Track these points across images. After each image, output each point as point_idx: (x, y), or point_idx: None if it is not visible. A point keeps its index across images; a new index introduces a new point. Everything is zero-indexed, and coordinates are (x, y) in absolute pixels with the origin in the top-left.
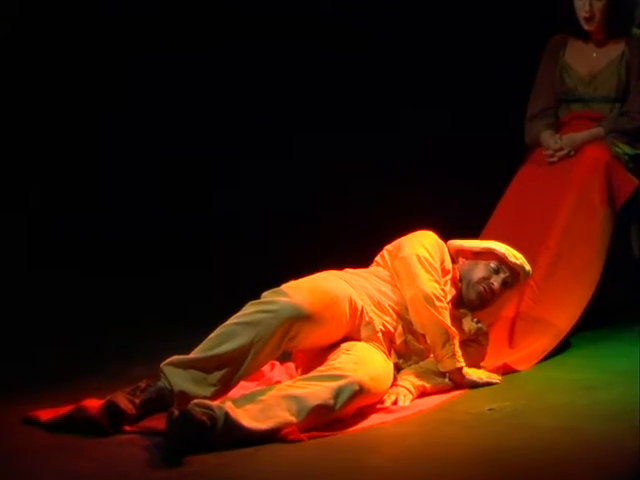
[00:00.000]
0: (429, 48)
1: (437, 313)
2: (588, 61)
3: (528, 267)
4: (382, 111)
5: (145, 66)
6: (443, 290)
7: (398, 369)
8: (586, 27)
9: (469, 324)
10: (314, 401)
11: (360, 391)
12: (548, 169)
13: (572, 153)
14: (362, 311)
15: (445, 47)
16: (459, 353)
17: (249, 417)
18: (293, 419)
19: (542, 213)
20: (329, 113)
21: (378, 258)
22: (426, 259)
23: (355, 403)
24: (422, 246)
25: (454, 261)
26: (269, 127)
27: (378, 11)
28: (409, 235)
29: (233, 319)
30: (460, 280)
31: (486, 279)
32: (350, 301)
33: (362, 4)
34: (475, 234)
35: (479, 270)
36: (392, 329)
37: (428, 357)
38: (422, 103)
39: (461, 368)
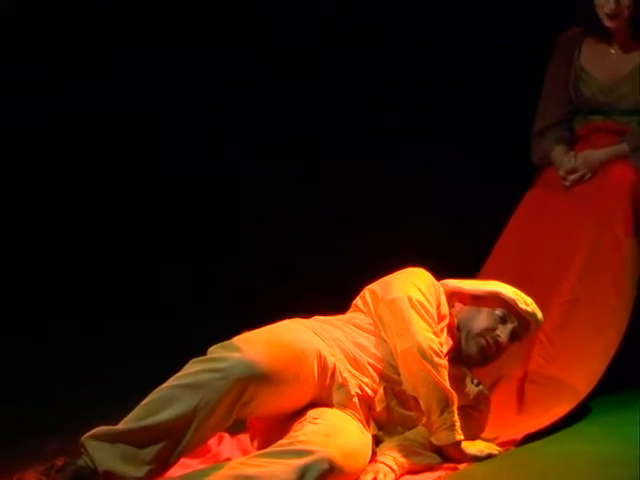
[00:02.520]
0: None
1: (436, 372)
2: (608, 65)
3: (540, 315)
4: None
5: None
6: (442, 343)
7: (377, 442)
8: (608, 24)
9: (469, 386)
10: None
11: (330, 470)
12: (561, 194)
13: (588, 175)
14: (334, 370)
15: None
16: (458, 424)
17: None
18: None
19: (554, 249)
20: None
21: (357, 301)
22: (420, 303)
23: None
24: (415, 286)
25: (450, 306)
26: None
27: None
28: (397, 273)
29: (172, 381)
30: (458, 329)
31: (491, 330)
32: (319, 357)
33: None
34: (471, 274)
35: (482, 318)
36: (371, 393)
37: (415, 426)
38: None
39: (460, 442)
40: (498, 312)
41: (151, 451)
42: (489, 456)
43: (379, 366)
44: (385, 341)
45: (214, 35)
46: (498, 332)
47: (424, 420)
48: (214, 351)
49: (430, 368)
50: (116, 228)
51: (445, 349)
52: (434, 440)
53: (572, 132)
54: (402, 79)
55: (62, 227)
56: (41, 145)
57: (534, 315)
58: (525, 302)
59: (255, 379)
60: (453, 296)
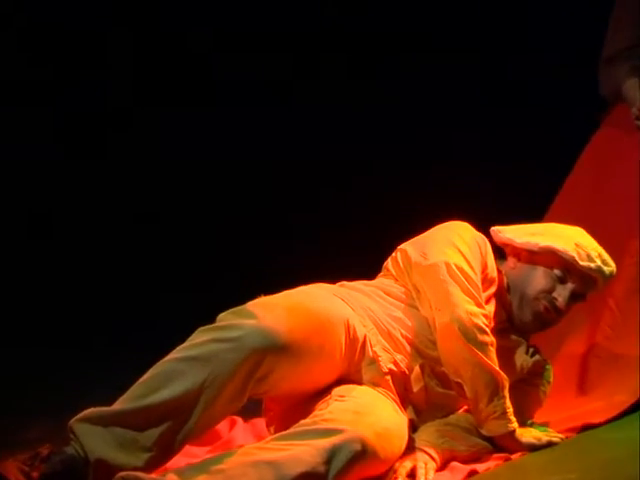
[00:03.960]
0: None
1: (481, 352)
2: None
3: (609, 268)
4: None
5: None
6: (488, 316)
7: (414, 429)
8: None
9: (522, 358)
10: (297, 467)
11: (363, 453)
12: (634, 136)
13: None
14: (364, 343)
15: None
16: (511, 410)
17: None
18: None
19: (625, 199)
20: None
21: (388, 263)
22: (461, 270)
23: (355, 471)
24: (455, 248)
25: (499, 263)
26: None
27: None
28: (434, 229)
29: (175, 353)
30: (508, 292)
31: (547, 292)
32: (347, 327)
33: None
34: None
35: (537, 279)
36: (407, 370)
37: (460, 410)
38: None
39: (513, 431)
40: (556, 271)
41: (151, 435)
42: (549, 444)
43: (415, 340)
44: (421, 313)
45: None
46: (555, 294)
47: (470, 407)
48: (225, 318)
49: (474, 348)
50: None
51: (493, 321)
52: (483, 431)
53: None
54: None
55: None
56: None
57: (600, 271)
58: (589, 256)
59: (272, 350)
60: (506, 249)
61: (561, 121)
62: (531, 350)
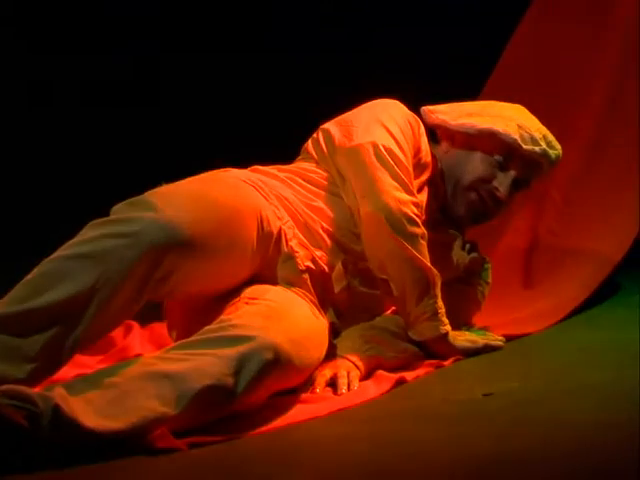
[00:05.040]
0: None
1: (410, 245)
2: None
3: (555, 152)
4: None
5: None
6: (419, 205)
7: (336, 334)
8: None
9: (458, 254)
10: (201, 380)
11: (275, 361)
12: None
13: None
14: (279, 236)
15: None
16: (443, 311)
17: (93, 411)
18: (167, 411)
19: (572, 72)
20: None
21: (309, 144)
22: (390, 151)
23: (267, 382)
24: (384, 128)
25: (432, 147)
26: None
27: None
28: (362, 107)
29: (63, 250)
30: (443, 180)
31: (485, 181)
32: (259, 219)
33: None
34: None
35: (474, 165)
36: (327, 268)
37: (386, 312)
38: None
39: (446, 334)
40: (496, 157)
41: (35, 342)
42: (486, 348)
43: (337, 233)
44: (345, 202)
45: None
46: (495, 183)
47: (398, 308)
48: (119, 210)
49: (401, 240)
50: None
51: (425, 211)
52: (412, 334)
53: None
54: None
55: None
56: None
57: (545, 154)
58: (532, 138)
59: (174, 246)
60: (439, 132)
61: None
62: (468, 246)
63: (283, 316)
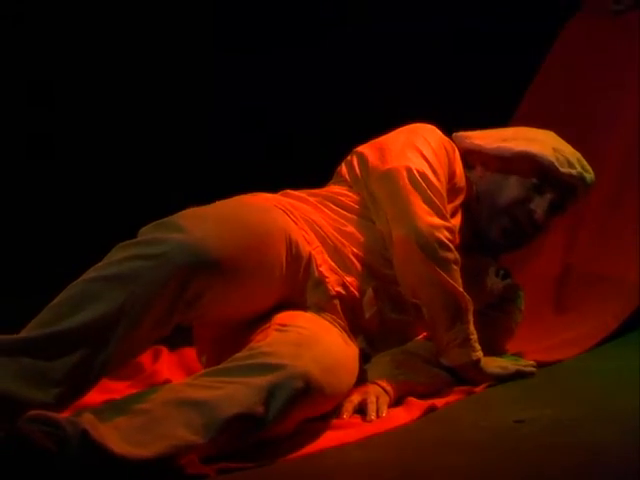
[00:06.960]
0: None
1: (442, 270)
2: None
3: (590, 175)
4: None
5: None
6: (452, 230)
7: (366, 359)
8: None
9: (491, 280)
10: (231, 409)
11: (306, 391)
12: (609, 24)
13: None
14: (309, 261)
15: None
16: (475, 337)
17: (121, 438)
18: (196, 439)
19: (603, 97)
20: None
21: (342, 168)
22: (424, 176)
23: (297, 411)
24: (418, 152)
25: (467, 171)
26: None
27: None
28: (397, 131)
29: (90, 272)
30: (478, 204)
31: (522, 203)
32: (289, 243)
33: None
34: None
35: (511, 188)
36: (358, 293)
37: (418, 338)
38: None
39: (477, 361)
40: (533, 180)
41: (63, 366)
42: (518, 374)
43: (368, 259)
44: (377, 226)
45: None
46: (532, 206)
47: (429, 333)
48: (147, 232)
49: (434, 264)
50: None
51: (458, 236)
52: (443, 360)
53: None
54: None
55: None
56: None
57: (581, 178)
58: (569, 162)
59: (202, 268)
60: (474, 158)
61: (530, 12)
62: (502, 272)
63: (313, 344)
